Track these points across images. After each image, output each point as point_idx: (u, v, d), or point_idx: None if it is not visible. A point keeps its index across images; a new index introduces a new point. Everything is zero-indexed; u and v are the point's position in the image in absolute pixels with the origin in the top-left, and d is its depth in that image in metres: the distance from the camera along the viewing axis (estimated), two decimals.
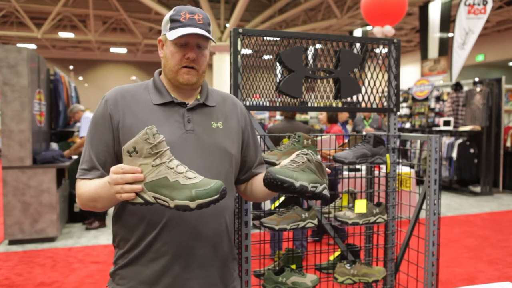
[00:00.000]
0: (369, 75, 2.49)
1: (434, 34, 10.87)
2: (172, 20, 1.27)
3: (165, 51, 1.31)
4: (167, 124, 1.26)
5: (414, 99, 9.07)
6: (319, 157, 1.32)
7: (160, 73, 1.37)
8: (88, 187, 1.21)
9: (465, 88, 8.19)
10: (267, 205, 5.66)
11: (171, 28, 1.26)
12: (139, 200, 1.05)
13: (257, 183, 1.42)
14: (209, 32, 1.28)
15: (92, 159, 1.25)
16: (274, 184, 1.17)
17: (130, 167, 1.04)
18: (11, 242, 4.69)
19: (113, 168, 1.06)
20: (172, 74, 1.29)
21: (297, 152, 1.29)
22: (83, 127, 5.40)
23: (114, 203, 1.20)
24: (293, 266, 2.26)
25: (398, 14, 7.56)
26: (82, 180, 1.26)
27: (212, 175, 1.17)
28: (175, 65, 1.28)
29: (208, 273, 1.29)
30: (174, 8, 1.30)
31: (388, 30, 7.88)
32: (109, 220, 5.55)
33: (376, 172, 2.68)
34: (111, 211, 1.54)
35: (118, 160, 1.25)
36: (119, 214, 1.30)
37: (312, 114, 12.70)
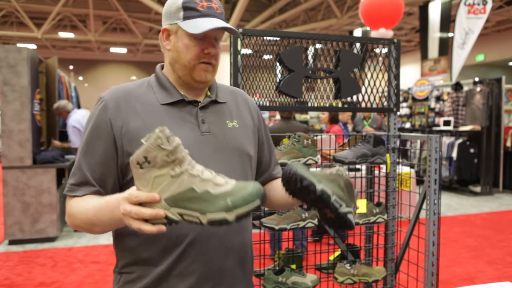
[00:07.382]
0: (369, 75, 2.49)
1: (434, 34, 10.87)
2: (185, 7, 1.08)
3: (175, 43, 1.11)
4: (180, 126, 1.09)
5: (414, 99, 9.07)
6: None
7: (162, 68, 1.19)
8: (83, 209, 1.01)
9: (465, 88, 8.19)
10: None
11: (186, 18, 1.08)
12: (162, 220, 0.85)
13: (276, 187, 1.22)
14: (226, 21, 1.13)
15: (84, 173, 1.05)
16: (291, 180, 0.99)
17: (146, 195, 0.84)
18: (11, 242, 4.69)
19: (126, 196, 0.87)
20: (186, 71, 1.11)
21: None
22: (72, 136, 5.20)
23: (117, 227, 1.01)
24: (293, 266, 2.25)
25: (396, 17, 7.70)
26: (73, 198, 1.06)
27: None
28: (191, 60, 1.10)
29: None
30: None
31: (390, 34, 8.01)
32: None
33: (376, 172, 2.68)
34: None
35: (121, 174, 1.08)
36: (124, 233, 1.09)
37: (312, 114, 12.67)
